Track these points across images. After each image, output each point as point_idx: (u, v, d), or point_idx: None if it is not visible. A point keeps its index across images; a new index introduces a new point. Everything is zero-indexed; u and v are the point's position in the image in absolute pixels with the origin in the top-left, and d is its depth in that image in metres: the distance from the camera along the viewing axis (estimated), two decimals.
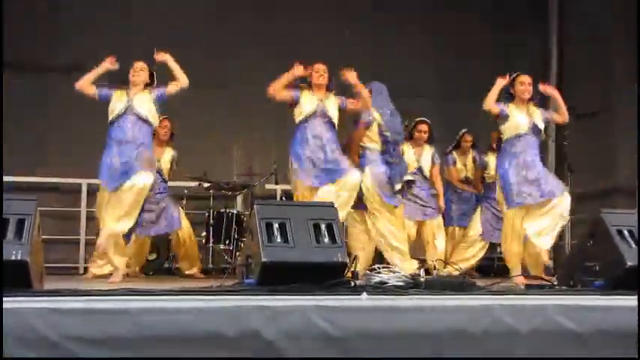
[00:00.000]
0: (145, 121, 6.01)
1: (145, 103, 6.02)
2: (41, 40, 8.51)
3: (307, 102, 6.22)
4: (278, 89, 6.24)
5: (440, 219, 7.29)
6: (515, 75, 6.38)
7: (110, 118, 5.97)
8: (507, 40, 9.45)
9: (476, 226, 7.45)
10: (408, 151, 7.19)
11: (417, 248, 7.39)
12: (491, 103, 6.27)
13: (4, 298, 3.13)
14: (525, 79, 6.36)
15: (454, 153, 8.01)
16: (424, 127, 7.25)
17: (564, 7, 9.72)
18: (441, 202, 7.26)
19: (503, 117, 6.28)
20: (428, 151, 7.27)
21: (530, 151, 6.26)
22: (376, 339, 3.41)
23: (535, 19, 9.78)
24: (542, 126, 6.34)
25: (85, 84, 6.03)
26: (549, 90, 6.59)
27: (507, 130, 6.30)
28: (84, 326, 3.14)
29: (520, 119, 6.27)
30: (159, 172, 6.77)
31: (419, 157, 7.22)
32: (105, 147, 5.99)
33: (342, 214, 5.79)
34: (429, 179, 7.29)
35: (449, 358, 3.48)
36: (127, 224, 5.87)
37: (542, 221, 6.18)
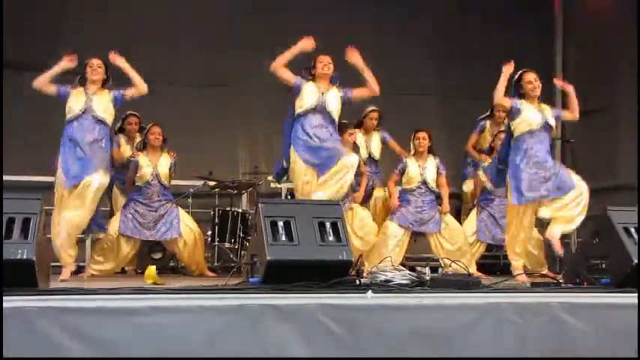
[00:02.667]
0: (103, 122, 6.08)
1: (102, 103, 6.09)
2: (42, 39, 8.48)
3: (308, 95, 6.19)
4: (279, 64, 6.21)
5: (440, 237, 7.05)
6: (520, 73, 6.30)
7: (68, 116, 6.04)
8: (510, 38, 9.41)
9: (471, 223, 7.36)
10: (412, 164, 7.09)
11: (421, 246, 7.35)
12: (501, 97, 6.18)
13: (11, 297, 3.12)
14: (531, 76, 6.27)
15: (487, 122, 7.87)
16: (423, 134, 7.11)
17: (568, 5, 9.69)
18: (446, 206, 7.11)
19: (515, 112, 6.16)
20: (432, 162, 7.11)
21: (542, 147, 6.16)
22: (382, 337, 3.40)
23: (538, 17, 9.74)
24: (553, 123, 6.26)
25: (43, 82, 6.05)
26: (565, 86, 6.55)
27: (519, 126, 6.17)
28: (90, 325, 3.13)
29: (532, 115, 6.16)
30: (157, 178, 6.76)
31: (422, 169, 7.09)
32: (62, 145, 6.06)
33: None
34: (434, 191, 7.15)
35: (455, 357, 3.46)
36: (85, 219, 6.05)
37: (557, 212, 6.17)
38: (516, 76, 6.28)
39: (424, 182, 7.03)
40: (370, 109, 7.54)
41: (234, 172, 8.52)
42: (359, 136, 7.46)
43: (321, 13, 9.17)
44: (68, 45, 8.48)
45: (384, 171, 7.74)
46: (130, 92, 6.19)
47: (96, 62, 6.17)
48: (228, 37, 8.86)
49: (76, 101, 6.05)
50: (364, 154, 7.46)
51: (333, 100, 6.21)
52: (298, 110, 6.18)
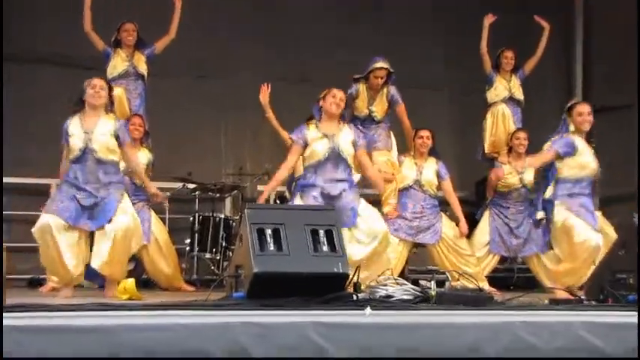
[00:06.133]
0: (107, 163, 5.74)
1: (105, 137, 5.70)
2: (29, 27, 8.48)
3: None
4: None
5: (440, 247, 6.98)
6: (571, 104, 6.39)
7: (70, 157, 5.70)
8: (528, 32, 9.39)
9: (483, 232, 7.33)
10: (407, 162, 7.05)
11: (424, 258, 7.33)
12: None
13: None
14: (584, 108, 6.29)
15: (495, 75, 7.90)
16: (427, 134, 7.07)
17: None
18: (463, 227, 7.00)
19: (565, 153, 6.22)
20: (431, 165, 7.07)
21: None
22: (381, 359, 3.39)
23: (559, 10, 9.75)
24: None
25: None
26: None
27: (568, 168, 6.23)
28: (52, 346, 3.09)
29: (587, 158, 6.23)
30: (130, 176, 6.70)
31: (419, 169, 7.05)
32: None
33: None
34: (434, 196, 7.11)
35: None
36: None
37: None
38: (568, 106, 6.40)
39: (419, 183, 7.00)
40: (377, 65, 7.00)
41: (217, 174, 8.50)
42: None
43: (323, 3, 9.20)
44: (55, 33, 8.49)
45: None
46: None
47: (99, 83, 5.77)
48: (217, 26, 8.86)
49: (75, 136, 5.71)
50: (364, 111, 7.16)
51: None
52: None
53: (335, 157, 5.79)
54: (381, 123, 7.12)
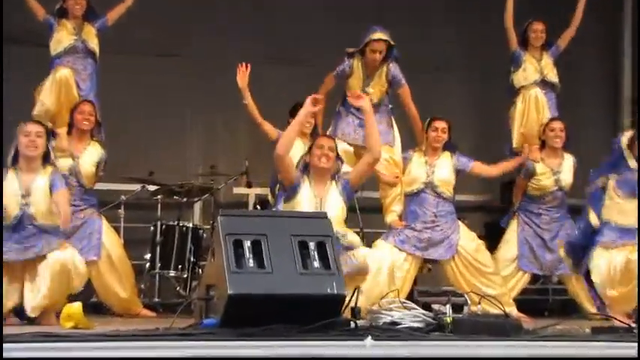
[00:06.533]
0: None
1: (42, 198, 5.81)
2: None
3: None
4: (286, 146, 5.86)
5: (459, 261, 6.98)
6: (631, 137, 6.56)
7: (5, 223, 5.74)
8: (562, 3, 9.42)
9: (510, 245, 7.33)
10: (416, 160, 7.02)
11: (438, 277, 7.33)
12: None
13: None
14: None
15: (523, 53, 7.88)
16: (442, 125, 7.04)
17: None
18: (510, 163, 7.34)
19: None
20: (446, 161, 7.04)
21: None
22: None
23: None
24: None
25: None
26: None
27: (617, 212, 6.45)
28: None
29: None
30: (76, 176, 6.69)
31: (431, 168, 7.01)
32: None
33: None
34: (449, 200, 7.07)
35: None
36: None
37: None
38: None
39: (430, 184, 6.96)
40: (375, 37, 7.01)
41: (183, 173, 8.50)
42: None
43: None
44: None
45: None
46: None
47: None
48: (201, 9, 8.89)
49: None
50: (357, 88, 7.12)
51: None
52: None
53: None
54: (379, 106, 7.07)
